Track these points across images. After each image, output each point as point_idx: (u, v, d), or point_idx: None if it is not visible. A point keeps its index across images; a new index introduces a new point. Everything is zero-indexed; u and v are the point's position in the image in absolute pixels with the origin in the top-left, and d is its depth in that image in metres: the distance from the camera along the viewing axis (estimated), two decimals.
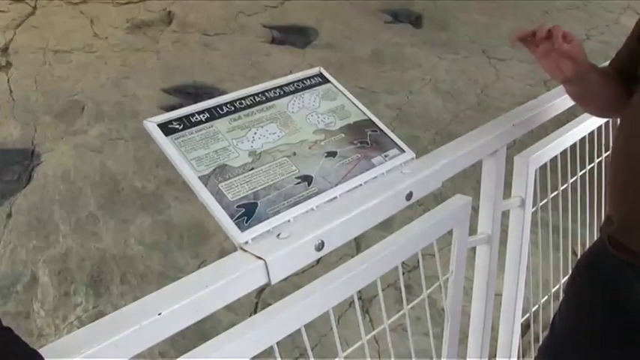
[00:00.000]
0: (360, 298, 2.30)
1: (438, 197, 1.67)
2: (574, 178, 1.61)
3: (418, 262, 1.07)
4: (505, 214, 1.40)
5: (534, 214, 1.48)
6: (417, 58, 4.61)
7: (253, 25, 5.04)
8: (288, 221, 0.87)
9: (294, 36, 4.94)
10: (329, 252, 0.89)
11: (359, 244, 2.32)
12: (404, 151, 1.04)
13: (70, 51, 4.46)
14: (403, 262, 1.03)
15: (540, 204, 1.50)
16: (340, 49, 4.71)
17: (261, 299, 2.34)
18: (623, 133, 1.14)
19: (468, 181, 2.00)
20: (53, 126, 3.59)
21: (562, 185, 1.59)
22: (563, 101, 1.37)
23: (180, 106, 0.98)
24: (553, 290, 1.76)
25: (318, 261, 1.63)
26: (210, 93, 3.89)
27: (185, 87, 4.07)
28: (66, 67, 4.25)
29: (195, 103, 0.98)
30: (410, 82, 4.25)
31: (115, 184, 3.08)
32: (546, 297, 1.77)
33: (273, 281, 0.81)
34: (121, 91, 3.98)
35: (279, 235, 0.84)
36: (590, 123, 1.54)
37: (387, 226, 1.08)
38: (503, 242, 1.44)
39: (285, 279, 0.85)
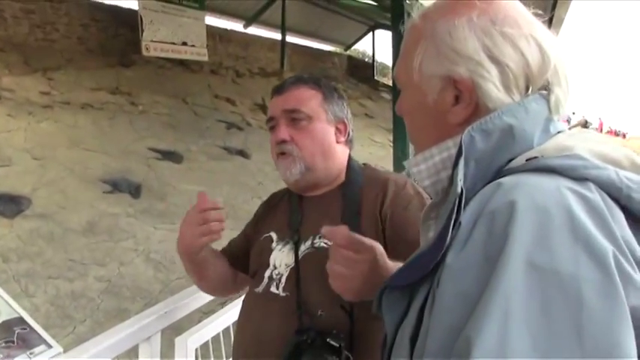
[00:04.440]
0: None
1: None
2: None
3: None
4: None
5: None
6: (131, 229, 4.76)
7: None
8: None
9: (4, 205, 4.70)
10: None
11: None
12: (51, 347, 1.17)
13: None
14: None
15: None
16: (53, 219, 4.62)
17: None
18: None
19: None
20: None
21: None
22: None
23: None
24: None
25: None
26: None
27: None
28: None
29: None
30: (122, 253, 4.34)
31: None
32: None
33: None
34: None
35: None
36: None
37: None
38: None
39: None
